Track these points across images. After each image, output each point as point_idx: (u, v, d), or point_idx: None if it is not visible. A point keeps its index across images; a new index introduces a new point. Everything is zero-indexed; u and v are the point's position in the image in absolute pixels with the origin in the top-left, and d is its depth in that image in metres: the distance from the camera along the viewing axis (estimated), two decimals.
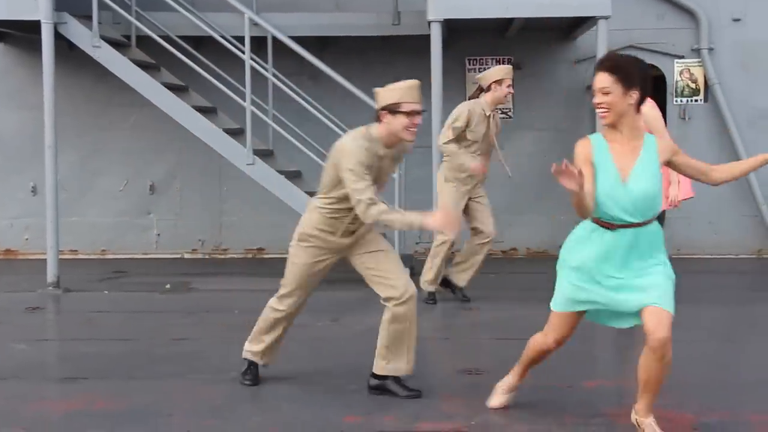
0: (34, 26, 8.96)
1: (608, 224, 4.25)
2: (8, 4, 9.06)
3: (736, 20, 10.71)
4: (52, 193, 8.81)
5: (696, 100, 10.79)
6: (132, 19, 9.56)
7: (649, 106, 7.22)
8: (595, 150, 4.25)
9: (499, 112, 8.55)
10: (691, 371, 5.81)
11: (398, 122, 4.88)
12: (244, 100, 8.94)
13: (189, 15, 9.36)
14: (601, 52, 8.59)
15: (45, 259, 8.88)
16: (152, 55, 9.76)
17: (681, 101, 10.79)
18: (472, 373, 5.68)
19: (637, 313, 4.26)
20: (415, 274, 7.92)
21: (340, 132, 9.26)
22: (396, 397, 5.15)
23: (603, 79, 4.20)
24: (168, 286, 9.02)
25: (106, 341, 6.75)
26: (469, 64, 10.75)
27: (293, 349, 6.41)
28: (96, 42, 9.10)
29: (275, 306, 5.44)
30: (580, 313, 4.50)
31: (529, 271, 10.07)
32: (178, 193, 11.19)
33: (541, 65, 10.93)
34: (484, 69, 9.81)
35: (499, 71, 7.69)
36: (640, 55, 10.84)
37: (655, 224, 4.29)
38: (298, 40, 9.21)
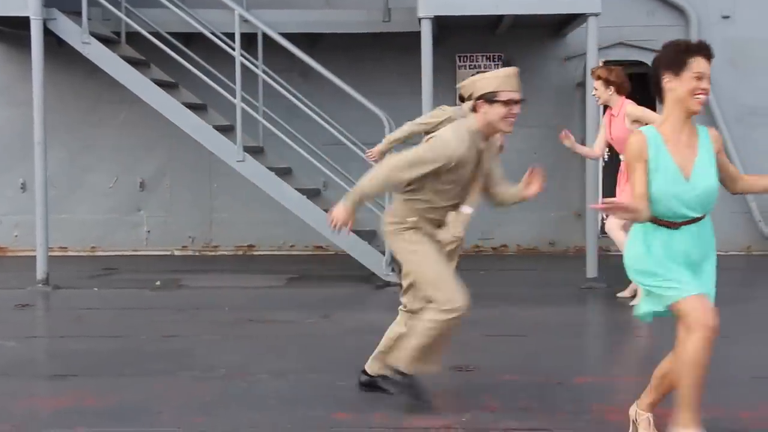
0: (23, 22, 8.92)
1: (671, 223, 4.01)
2: None
3: (725, 17, 10.74)
4: (42, 189, 8.78)
5: None
6: (122, 15, 9.53)
7: (632, 107, 7.34)
8: (650, 145, 3.97)
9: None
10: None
11: (495, 112, 4.66)
12: (234, 97, 8.92)
13: (179, 11, 9.33)
14: (591, 50, 8.61)
15: (34, 256, 8.85)
16: (142, 52, 9.74)
17: None
18: (463, 370, 5.69)
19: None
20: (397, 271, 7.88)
21: (330, 129, 9.29)
22: (386, 394, 5.14)
23: (705, 65, 3.92)
24: (158, 283, 9.00)
25: (96, 338, 6.74)
26: (460, 61, 10.75)
27: (283, 346, 6.41)
28: (85, 38, 9.07)
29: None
30: None
31: (520, 268, 10.09)
32: (168, 189, 11.17)
33: (531, 62, 10.93)
34: (475, 66, 9.84)
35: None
36: (630, 52, 10.96)
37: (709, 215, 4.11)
38: (288, 36, 9.20)
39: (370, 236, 9.32)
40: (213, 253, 11.12)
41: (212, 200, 11.15)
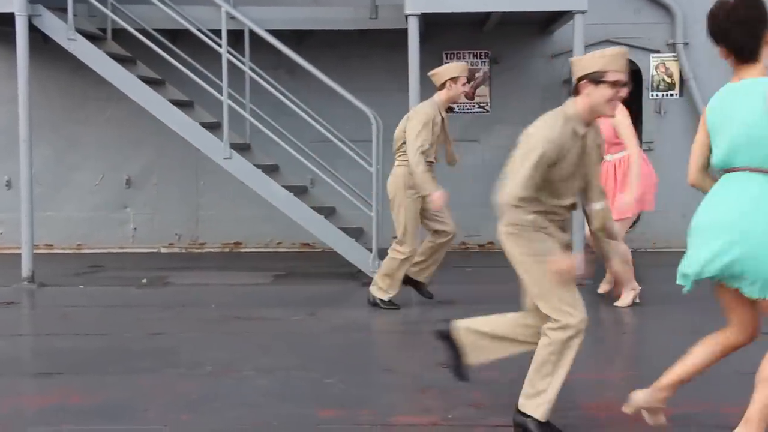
0: (8, 19, 8.87)
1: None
2: None
3: None
4: (27, 187, 8.75)
5: (671, 95, 10.85)
6: (108, 12, 9.49)
7: (621, 114, 7.23)
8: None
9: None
10: (666, 364, 5.84)
11: (600, 94, 4.31)
12: (221, 94, 8.90)
13: (165, 8, 9.30)
14: (578, 47, 8.64)
15: (20, 254, 8.81)
16: (128, 49, 9.70)
17: (657, 95, 10.85)
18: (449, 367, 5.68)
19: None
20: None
21: (317, 126, 9.28)
22: (373, 391, 5.15)
23: None
24: (144, 280, 8.98)
25: (82, 336, 6.72)
26: (447, 59, 10.75)
27: (270, 343, 6.41)
28: (71, 35, 9.03)
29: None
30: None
31: (506, 264, 10.05)
32: (155, 187, 11.14)
33: (518, 59, 10.96)
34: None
35: (454, 68, 7.38)
36: None
37: None
38: (275, 33, 9.19)
39: (357, 233, 9.32)
40: (199, 251, 11.10)
41: (199, 197, 11.13)
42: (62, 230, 11.02)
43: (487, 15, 9.68)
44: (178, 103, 9.26)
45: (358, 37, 10.65)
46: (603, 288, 7.86)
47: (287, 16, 10.19)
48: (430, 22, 9.65)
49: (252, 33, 9.34)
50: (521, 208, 4.40)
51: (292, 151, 9.09)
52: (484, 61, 10.91)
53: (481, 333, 4.72)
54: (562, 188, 4.42)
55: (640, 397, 4.38)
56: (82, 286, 8.76)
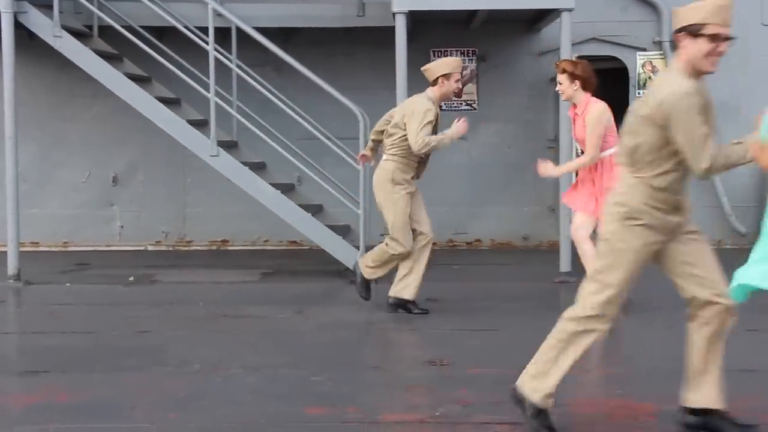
0: None
1: None
2: None
3: None
4: (13, 184, 8.71)
5: None
6: (94, 8, 9.46)
7: (595, 114, 6.87)
8: None
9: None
10: (651, 360, 5.88)
11: (698, 48, 4.01)
12: (208, 91, 8.88)
13: (152, 5, 9.27)
14: (565, 45, 8.66)
15: (5, 252, 8.78)
16: (115, 46, 9.67)
17: (643, 93, 10.88)
18: (437, 364, 5.70)
19: None
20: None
21: (305, 123, 9.27)
22: (360, 388, 5.15)
23: None
24: (131, 278, 8.96)
25: (68, 334, 6.70)
26: (434, 56, 10.74)
27: (257, 341, 6.40)
28: (57, 32, 8.99)
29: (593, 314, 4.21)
30: None
31: (494, 262, 10.12)
32: (142, 184, 11.11)
33: (505, 57, 10.97)
34: None
35: (447, 64, 7.08)
36: (603, 47, 11.02)
37: None
38: (262, 31, 9.17)
39: (344, 231, 9.32)
40: (186, 248, 11.08)
41: (186, 195, 11.11)
42: (48, 228, 10.98)
43: (474, 13, 9.70)
44: (164, 101, 9.23)
45: (345, 35, 10.64)
46: None
47: (274, 14, 10.17)
48: (418, 20, 9.66)
49: (239, 30, 9.32)
50: (645, 192, 4.08)
51: (280, 149, 9.08)
52: (471, 59, 10.93)
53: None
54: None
55: None
56: (68, 284, 8.74)
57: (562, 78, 6.95)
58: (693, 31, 4.03)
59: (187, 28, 9.33)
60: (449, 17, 9.88)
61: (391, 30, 8.84)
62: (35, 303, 8.00)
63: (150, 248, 11.08)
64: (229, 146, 9.33)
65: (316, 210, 9.36)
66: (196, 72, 9.48)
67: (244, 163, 9.08)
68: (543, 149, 10.59)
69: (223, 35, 9.66)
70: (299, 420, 4.67)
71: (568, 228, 7.95)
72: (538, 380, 4.29)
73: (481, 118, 10.94)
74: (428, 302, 7.39)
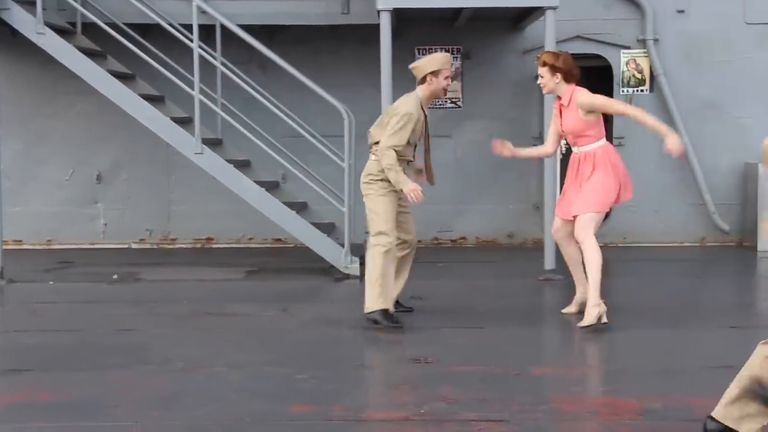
0: None
1: None
2: None
3: (680, 12, 10.86)
4: None
5: (642, 90, 10.92)
6: (77, 5, 9.40)
7: (584, 95, 6.66)
8: None
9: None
10: (635, 358, 5.90)
11: None
12: (192, 89, 8.86)
13: (136, 2, 9.23)
14: (549, 43, 8.67)
15: None
16: (98, 43, 9.62)
17: (627, 91, 10.92)
18: (421, 362, 5.71)
19: None
20: (362, 264, 7.89)
21: (289, 121, 9.25)
22: (345, 386, 5.15)
23: None
24: (115, 276, 8.92)
25: (52, 332, 6.67)
26: (419, 54, 10.74)
27: (241, 339, 6.39)
28: (40, 29, 8.94)
29: None
30: None
31: (479, 260, 10.13)
32: (125, 182, 11.07)
33: (489, 55, 10.99)
34: None
35: (435, 60, 6.72)
36: (587, 45, 11.05)
37: None
38: (246, 28, 9.15)
39: (329, 228, 9.32)
40: (171, 246, 11.04)
41: (170, 193, 11.08)
42: (31, 226, 10.92)
43: (459, 10, 9.70)
44: (148, 98, 9.20)
45: (329, 33, 10.63)
46: (568, 309, 7.11)
47: (258, 11, 10.15)
48: (403, 18, 9.66)
49: (223, 28, 9.30)
50: None
51: (264, 147, 9.06)
52: (456, 57, 10.93)
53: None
54: None
55: None
56: (51, 282, 8.70)
57: (543, 71, 6.76)
58: None
59: (171, 25, 9.30)
60: (434, 15, 9.88)
61: (376, 28, 8.84)
62: (18, 301, 7.95)
63: (134, 246, 11.04)
64: (213, 144, 9.31)
65: (300, 207, 9.35)
66: (181, 69, 9.45)
67: (229, 161, 9.06)
68: (528, 147, 10.60)
69: (207, 33, 9.62)
70: (284, 418, 4.66)
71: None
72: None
73: (466, 115, 10.96)
74: (413, 300, 7.39)
